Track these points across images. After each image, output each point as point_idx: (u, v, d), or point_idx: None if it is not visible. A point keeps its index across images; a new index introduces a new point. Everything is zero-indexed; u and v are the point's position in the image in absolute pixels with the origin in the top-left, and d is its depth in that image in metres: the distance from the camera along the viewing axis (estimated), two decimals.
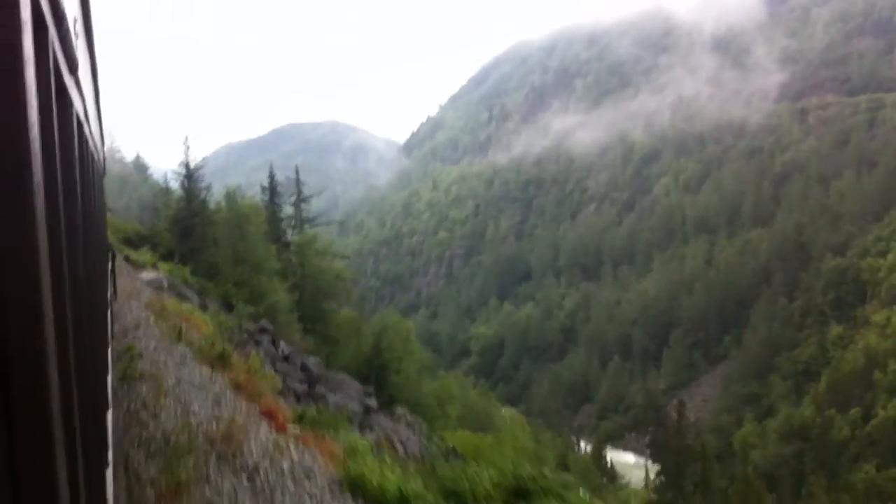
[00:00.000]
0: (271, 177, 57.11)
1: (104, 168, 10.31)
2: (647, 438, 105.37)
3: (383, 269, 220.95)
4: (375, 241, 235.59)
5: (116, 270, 19.19)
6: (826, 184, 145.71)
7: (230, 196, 47.49)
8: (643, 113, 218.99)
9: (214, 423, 10.70)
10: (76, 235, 3.05)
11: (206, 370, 15.20)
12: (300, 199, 57.47)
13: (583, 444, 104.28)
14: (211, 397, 12.62)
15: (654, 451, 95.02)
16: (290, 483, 9.35)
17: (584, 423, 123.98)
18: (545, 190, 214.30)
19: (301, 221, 56.77)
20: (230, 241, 43.18)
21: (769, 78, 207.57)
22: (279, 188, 57.53)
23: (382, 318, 56.08)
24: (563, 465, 38.13)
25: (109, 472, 4.20)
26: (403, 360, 46.34)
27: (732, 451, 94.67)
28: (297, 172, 59.33)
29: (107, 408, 5.18)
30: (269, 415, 12.84)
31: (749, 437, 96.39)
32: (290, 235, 55.93)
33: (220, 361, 16.65)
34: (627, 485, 56.45)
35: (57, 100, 2.10)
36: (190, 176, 48.03)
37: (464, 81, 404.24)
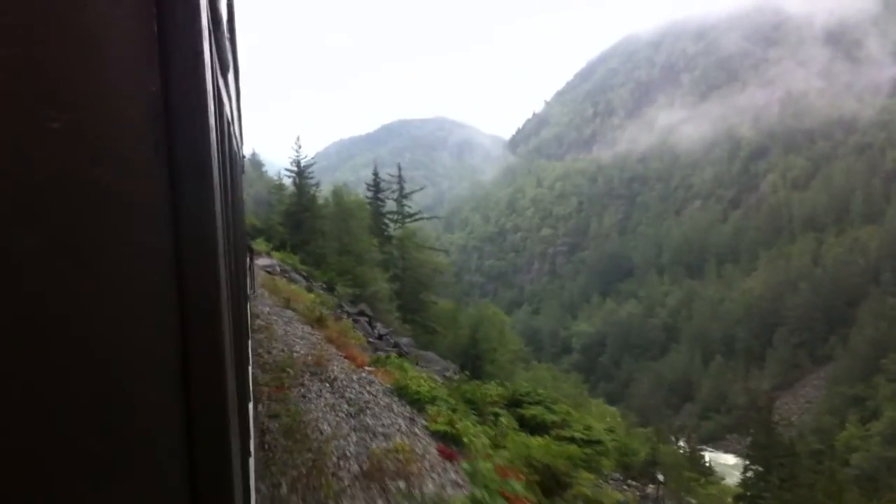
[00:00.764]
0: (375, 174, 61.15)
1: (243, 167, 12.72)
2: (749, 440, 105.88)
3: (487, 265, 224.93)
4: (480, 237, 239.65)
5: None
6: None
7: (336, 192, 52.07)
8: (751, 108, 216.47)
9: (309, 357, 15.23)
10: (231, 232, 3.34)
11: (306, 328, 19.86)
12: (402, 195, 61.04)
13: (682, 442, 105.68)
14: (308, 344, 17.14)
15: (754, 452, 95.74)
16: (356, 386, 13.80)
17: (685, 422, 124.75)
18: (649, 186, 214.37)
19: (403, 216, 60.27)
20: (336, 234, 47.49)
21: (882, 72, 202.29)
22: (383, 184, 61.45)
23: (480, 310, 59.56)
24: (652, 459, 41.15)
25: (252, 462, 4.46)
26: (498, 351, 49.16)
27: (834, 454, 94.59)
28: (399, 169, 62.86)
29: (249, 399, 5.49)
30: (351, 357, 17.18)
31: (852, 440, 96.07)
32: (393, 230, 59.58)
33: (318, 322, 21.29)
34: (722, 480, 58.51)
35: (216, 101, 2.20)
36: (301, 173, 52.84)
37: (570, 77, 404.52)
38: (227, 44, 3.50)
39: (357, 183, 69.80)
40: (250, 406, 4.79)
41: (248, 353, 6.72)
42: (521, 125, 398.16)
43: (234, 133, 5.58)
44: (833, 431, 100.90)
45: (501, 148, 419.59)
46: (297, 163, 53.11)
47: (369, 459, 9.50)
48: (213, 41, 2.11)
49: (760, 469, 49.89)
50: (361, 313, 35.33)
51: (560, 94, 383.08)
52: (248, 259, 16.55)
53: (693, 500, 34.01)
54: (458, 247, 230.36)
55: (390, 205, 61.26)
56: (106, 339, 0.96)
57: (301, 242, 48.62)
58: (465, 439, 12.67)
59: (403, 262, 54.39)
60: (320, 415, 11.15)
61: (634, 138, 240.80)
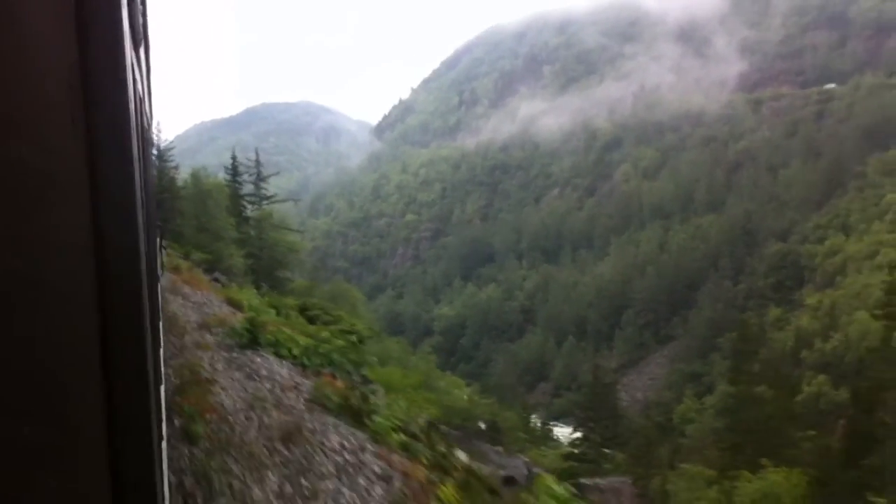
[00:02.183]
0: (234, 157, 62.08)
1: (152, 142, 14.68)
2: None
3: (352, 251, 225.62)
4: (344, 223, 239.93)
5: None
6: (775, 172, 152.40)
7: (195, 175, 52.97)
8: (607, 100, 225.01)
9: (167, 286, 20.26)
10: (146, 209, 3.22)
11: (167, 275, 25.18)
12: (259, 178, 62.22)
13: (534, 418, 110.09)
14: (168, 281, 21.42)
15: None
16: (200, 298, 21.11)
17: (539, 400, 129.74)
18: (510, 174, 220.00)
19: (260, 198, 61.49)
20: (194, 213, 48.39)
21: (729, 68, 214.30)
22: (242, 168, 62.37)
23: (334, 287, 61.30)
24: (494, 423, 44.23)
25: (164, 445, 4.51)
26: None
27: (672, 426, 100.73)
28: (256, 153, 63.93)
29: (161, 382, 5.43)
30: (199, 287, 23.04)
31: (687, 413, 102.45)
32: (251, 211, 60.72)
33: (174, 270, 26.28)
34: (560, 446, 62.49)
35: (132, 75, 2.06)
36: (160, 157, 53.28)
37: (437, 65, 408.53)
38: (140, 17, 3.56)
39: (219, 166, 69.96)
40: (162, 389, 4.80)
41: (160, 335, 6.49)
42: (387, 112, 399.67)
43: (146, 109, 5.58)
44: (672, 405, 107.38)
45: (368, 134, 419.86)
46: (157, 146, 53.31)
47: (203, 320, 16.89)
48: (129, 13, 2.08)
49: (587, 430, 53.78)
50: (216, 280, 36.30)
51: (426, 82, 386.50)
52: (158, 237, 17.75)
53: (524, 457, 36.67)
54: (323, 232, 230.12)
55: (250, 188, 62.16)
56: (28, 318, 0.94)
57: (162, 221, 48.94)
58: (261, 316, 19.17)
59: (260, 241, 55.65)
60: (181, 310, 17.79)
61: (497, 127, 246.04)
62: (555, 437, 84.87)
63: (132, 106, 1.42)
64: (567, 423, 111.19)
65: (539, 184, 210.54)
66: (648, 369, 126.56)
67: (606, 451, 50.96)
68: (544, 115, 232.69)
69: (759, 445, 35.29)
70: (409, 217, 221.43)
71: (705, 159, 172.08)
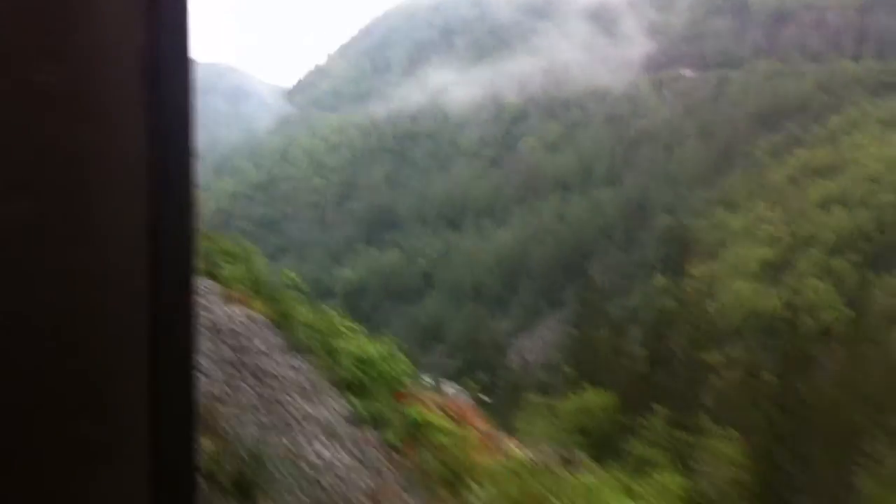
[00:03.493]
0: None
1: None
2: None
3: (257, 213, 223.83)
4: (250, 185, 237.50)
5: None
6: (671, 151, 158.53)
7: None
8: (517, 75, 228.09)
9: None
10: None
11: None
12: None
13: (427, 377, 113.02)
14: None
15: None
16: None
17: (435, 360, 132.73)
18: (419, 143, 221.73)
19: None
20: None
21: (635, 49, 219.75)
22: None
23: (227, 242, 62.52)
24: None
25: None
26: None
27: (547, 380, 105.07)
28: None
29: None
30: None
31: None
32: None
33: None
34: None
35: None
36: None
37: (355, 32, 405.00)
38: None
39: None
40: None
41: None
42: (302, 77, 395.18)
43: None
44: (559, 365, 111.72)
45: (279, 98, 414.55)
46: None
47: None
48: None
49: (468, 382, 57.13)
50: None
51: (343, 49, 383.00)
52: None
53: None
54: (228, 194, 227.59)
55: None
56: (86, 314, 0.96)
57: None
58: None
59: None
60: None
61: (408, 96, 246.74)
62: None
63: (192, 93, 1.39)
64: (460, 383, 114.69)
65: (446, 153, 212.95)
66: (541, 333, 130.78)
67: (483, 397, 54.23)
68: (455, 87, 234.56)
69: (585, 375, 41.95)
70: (317, 181, 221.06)
71: (607, 136, 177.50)
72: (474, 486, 7.04)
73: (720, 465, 30.59)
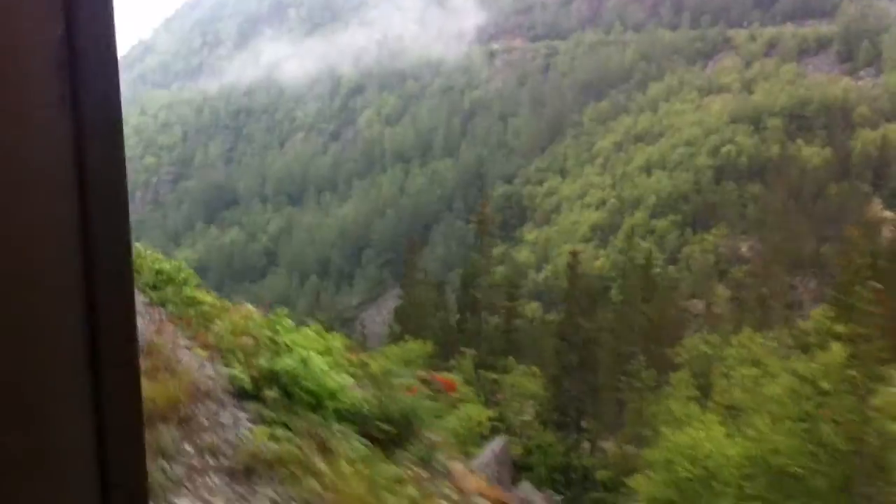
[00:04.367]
0: None
1: None
2: None
3: None
4: None
5: None
6: (505, 121, 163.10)
7: None
8: (352, 47, 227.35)
9: None
10: None
11: None
12: None
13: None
14: None
15: None
16: None
17: None
18: (255, 118, 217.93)
19: None
20: None
21: (468, 20, 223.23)
22: None
23: None
24: None
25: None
26: None
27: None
28: None
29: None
30: None
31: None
32: None
33: None
34: None
35: None
36: None
37: (179, 5, 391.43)
38: None
39: None
40: None
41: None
42: (125, 52, 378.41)
43: None
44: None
45: None
46: None
47: None
48: None
49: None
50: None
51: (168, 22, 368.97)
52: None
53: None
54: None
55: None
56: (13, 315, 0.93)
57: None
58: None
59: None
60: None
61: (241, 71, 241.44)
62: None
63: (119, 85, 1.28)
64: None
65: (284, 128, 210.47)
66: (386, 304, 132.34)
67: None
68: (289, 60, 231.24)
69: (409, 330, 46.08)
70: (149, 160, 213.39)
71: (443, 107, 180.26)
72: (217, 322, 9.31)
73: (520, 397, 37.23)
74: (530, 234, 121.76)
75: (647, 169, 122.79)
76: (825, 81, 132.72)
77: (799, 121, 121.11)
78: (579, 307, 41.25)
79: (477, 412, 29.20)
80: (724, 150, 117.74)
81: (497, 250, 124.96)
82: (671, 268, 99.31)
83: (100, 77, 1.15)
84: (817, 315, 39.90)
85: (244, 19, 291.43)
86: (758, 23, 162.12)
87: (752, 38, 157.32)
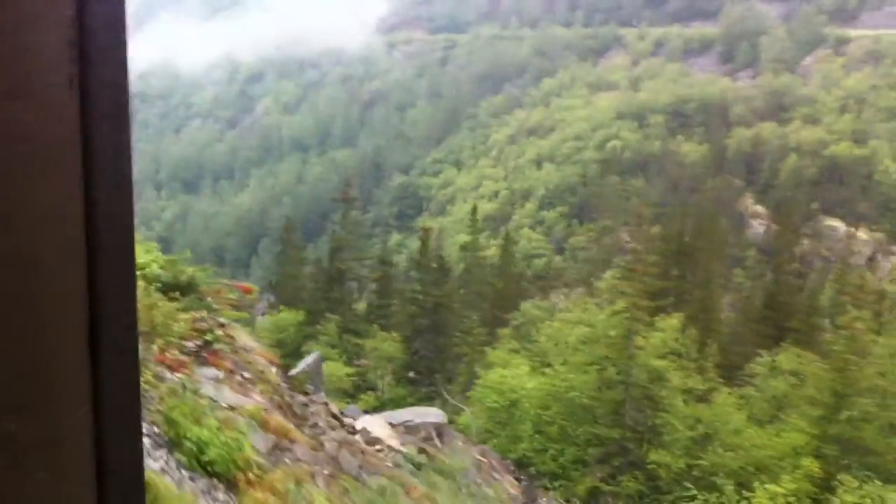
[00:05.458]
0: None
1: None
2: None
3: None
4: None
5: None
6: (403, 111, 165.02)
7: None
8: (251, 34, 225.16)
9: None
10: None
11: None
12: None
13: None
14: None
15: None
16: None
17: None
18: (150, 104, 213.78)
19: None
20: None
21: (371, 10, 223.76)
22: None
23: None
24: None
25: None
26: None
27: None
28: None
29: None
30: None
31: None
32: None
33: None
34: None
35: None
36: None
37: None
38: None
39: None
40: None
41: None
42: None
43: None
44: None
45: None
46: None
47: None
48: None
49: None
50: None
51: None
52: None
53: None
54: None
55: None
56: (14, 295, 0.93)
57: None
58: None
59: None
60: None
61: (136, 55, 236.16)
62: None
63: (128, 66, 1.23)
64: None
65: (180, 114, 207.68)
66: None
67: None
68: (187, 44, 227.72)
69: (284, 301, 50.43)
70: None
71: (343, 96, 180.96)
72: None
73: (380, 359, 41.44)
74: (427, 223, 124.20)
75: (538, 162, 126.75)
76: (706, 81, 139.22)
77: (680, 118, 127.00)
78: (431, 278, 45.78)
79: (337, 369, 33.40)
80: (609, 145, 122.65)
81: (394, 239, 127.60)
82: (557, 258, 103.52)
83: (109, 58, 1.12)
84: (608, 277, 46.57)
85: (141, 2, 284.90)
86: (647, 23, 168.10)
87: (641, 38, 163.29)
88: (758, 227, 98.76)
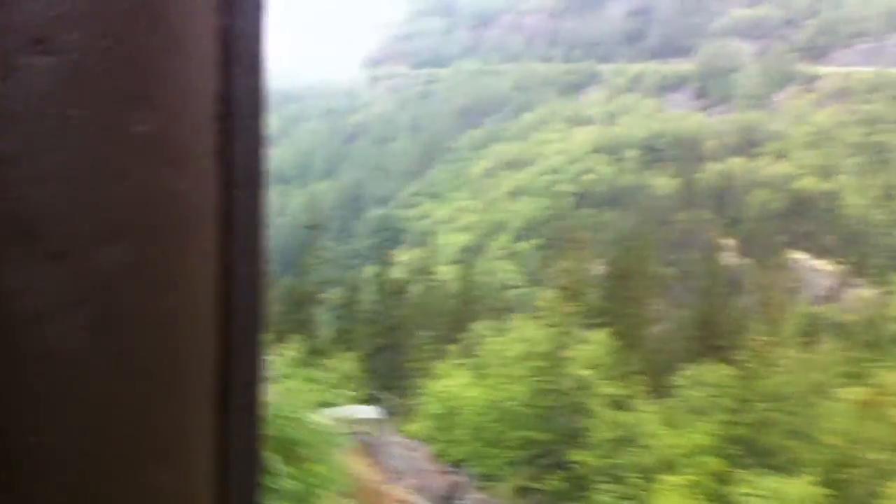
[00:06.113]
0: None
1: None
2: None
3: None
4: None
5: None
6: (384, 144, 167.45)
7: None
8: None
9: None
10: None
11: None
12: None
13: None
14: None
15: None
16: None
17: None
18: None
19: None
20: None
21: (358, 45, 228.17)
22: None
23: None
24: None
25: None
26: None
27: None
28: None
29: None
30: None
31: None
32: None
33: None
34: None
35: None
36: None
37: None
38: None
39: None
40: None
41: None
42: None
43: None
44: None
45: None
46: None
47: None
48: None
49: None
50: None
51: None
52: None
53: None
54: None
55: None
56: (170, 356, 0.99)
57: None
58: None
59: None
60: None
61: None
62: None
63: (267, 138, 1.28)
64: None
65: None
66: None
67: None
68: None
69: None
70: None
71: (325, 129, 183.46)
72: None
73: (339, 377, 42.03)
74: (404, 255, 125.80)
75: (515, 194, 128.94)
76: (680, 116, 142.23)
77: (654, 152, 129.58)
78: (390, 302, 51.20)
79: (297, 386, 35.53)
80: (584, 178, 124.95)
81: (368, 271, 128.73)
82: (535, 288, 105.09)
83: (251, 130, 1.19)
84: (546, 297, 51.04)
85: None
86: (625, 59, 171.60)
87: (619, 73, 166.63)
88: (725, 259, 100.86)
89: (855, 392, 26.51)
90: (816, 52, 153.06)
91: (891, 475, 21.99)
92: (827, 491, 19.90)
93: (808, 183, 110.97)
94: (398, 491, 18.61)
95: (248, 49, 1.14)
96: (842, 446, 24.18)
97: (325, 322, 60.69)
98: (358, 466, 16.81)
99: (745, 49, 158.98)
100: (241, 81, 1.13)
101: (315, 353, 45.60)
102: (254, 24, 1.16)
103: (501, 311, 65.36)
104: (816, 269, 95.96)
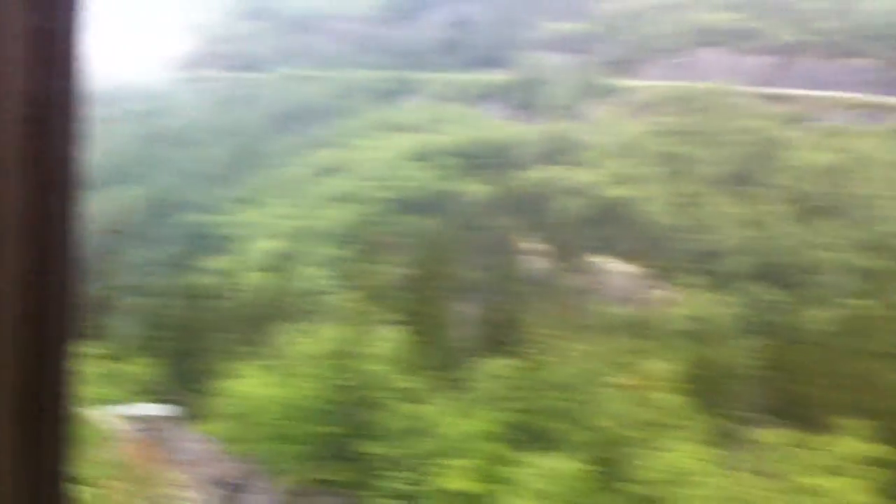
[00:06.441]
0: None
1: None
2: None
3: None
4: None
5: None
6: (198, 149, 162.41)
7: None
8: None
9: None
10: None
11: None
12: None
13: None
14: None
15: None
16: None
17: None
18: None
19: None
20: None
21: (177, 46, 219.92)
22: None
23: None
24: None
25: None
26: None
27: None
28: None
29: None
30: None
31: None
32: None
33: None
34: None
35: None
36: None
37: None
38: None
39: None
40: None
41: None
42: None
43: None
44: None
45: None
46: None
47: None
48: None
49: None
50: None
51: None
52: None
53: None
54: None
55: None
56: None
57: None
58: None
59: None
60: None
61: None
62: None
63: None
64: None
65: None
66: None
67: None
68: None
69: None
70: None
71: (135, 132, 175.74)
72: None
73: (131, 377, 42.53)
74: (214, 262, 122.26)
75: (332, 200, 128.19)
76: (496, 125, 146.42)
77: (470, 160, 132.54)
78: (197, 307, 47.75)
79: (94, 391, 34.75)
80: (402, 184, 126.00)
81: (178, 277, 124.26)
82: (346, 293, 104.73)
83: (64, 132, 1.23)
84: (351, 298, 52.46)
85: None
86: (443, 68, 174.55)
87: (437, 82, 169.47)
88: (534, 262, 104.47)
89: (624, 379, 28.66)
90: (628, 67, 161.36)
91: (649, 449, 23.80)
92: (595, 468, 21.34)
93: (614, 191, 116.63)
94: (175, 476, 18.27)
95: (62, 49, 1.10)
96: (610, 427, 25.95)
97: (127, 328, 58.12)
98: (140, 457, 16.39)
99: (558, 62, 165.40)
100: (55, 83, 1.09)
101: (112, 358, 43.95)
102: (69, 24, 1.12)
103: (309, 314, 65.29)
104: (619, 271, 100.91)
